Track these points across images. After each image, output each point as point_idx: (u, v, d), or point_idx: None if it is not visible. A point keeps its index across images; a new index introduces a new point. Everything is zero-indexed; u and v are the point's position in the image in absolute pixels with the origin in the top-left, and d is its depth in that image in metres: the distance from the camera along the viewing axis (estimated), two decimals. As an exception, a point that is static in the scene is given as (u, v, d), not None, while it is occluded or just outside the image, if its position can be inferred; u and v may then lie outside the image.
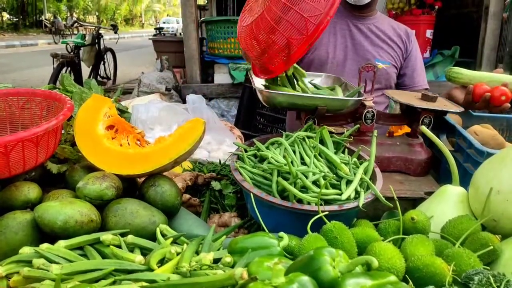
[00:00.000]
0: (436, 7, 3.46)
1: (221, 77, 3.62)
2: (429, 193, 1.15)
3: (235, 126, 3.46)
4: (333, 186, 1.02)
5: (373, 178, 1.06)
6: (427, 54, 3.51)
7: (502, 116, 1.54)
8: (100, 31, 7.10)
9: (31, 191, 0.95)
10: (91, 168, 1.03)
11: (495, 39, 3.10)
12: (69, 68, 5.85)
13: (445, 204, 1.01)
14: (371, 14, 1.90)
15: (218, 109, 3.47)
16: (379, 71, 1.79)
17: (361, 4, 1.79)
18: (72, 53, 6.21)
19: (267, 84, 1.35)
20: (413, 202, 1.19)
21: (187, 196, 1.20)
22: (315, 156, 1.05)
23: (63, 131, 1.19)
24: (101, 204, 0.94)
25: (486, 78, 1.47)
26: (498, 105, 1.42)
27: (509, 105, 1.44)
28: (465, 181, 1.07)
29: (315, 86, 1.43)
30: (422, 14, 3.46)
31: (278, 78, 1.33)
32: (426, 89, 1.93)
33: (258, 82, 1.40)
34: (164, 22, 36.70)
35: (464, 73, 1.49)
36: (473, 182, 1.00)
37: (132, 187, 1.08)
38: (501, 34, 3.22)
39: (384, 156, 1.32)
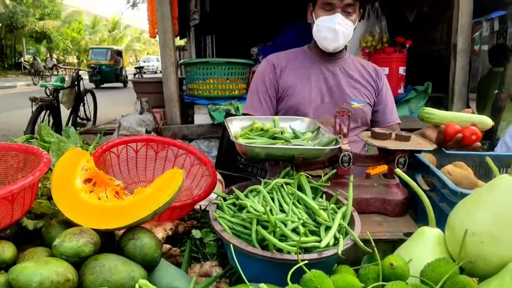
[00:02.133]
0: (407, 45, 3.61)
1: (201, 117, 3.65)
2: (408, 234, 1.17)
3: (217, 167, 3.48)
4: (312, 233, 1.02)
5: (351, 222, 1.08)
6: (401, 90, 3.62)
7: (475, 154, 1.59)
8: (79, 73, 7.12)
9: (5, 250, 0.93)
10: (68, 223, 1.02)
11: (465, 75, 3.22)
12: (48, 112, 5.82)
13: (423, 247, 1.02)
14: (341, 56, 1.96)
15: (198, 150, 3.48)
16: (355, 111, 1.84)
17: (329, 51, 1.86)
18: (51, 96, 6.19)
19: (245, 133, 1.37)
20: (393, 244, 1.20)
21: (167, 246, 1.18)
22: (293, 203, 1.06)
23: (40, 185, 1.17)
24: (79, 262, 0.92)
25: (457, 118, 1.52)
26: (470, 144, 1.46)
27: (479, 144, 1.49)
28: (442, 221, 1.09)
29: (294, 131, 1.45)
30: (394, 52, 3.59)
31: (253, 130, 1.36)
32: (399, 123, 2.00)
33: (235, 131, 1.42)
34: (144, 61, 37.07)
35: (436, 114, 1.54)
36: (449, 223, 1.02)
37: (110, 240, 1.06)
38: (470, 67, 3.36)
39: (362, 197, 1.34)
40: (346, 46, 1.94)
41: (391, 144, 1.31)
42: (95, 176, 1.11)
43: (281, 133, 1.38)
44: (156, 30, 3.50)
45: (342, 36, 1.78)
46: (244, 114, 1.97)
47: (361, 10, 1.88)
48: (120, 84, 23.30)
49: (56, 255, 0.91)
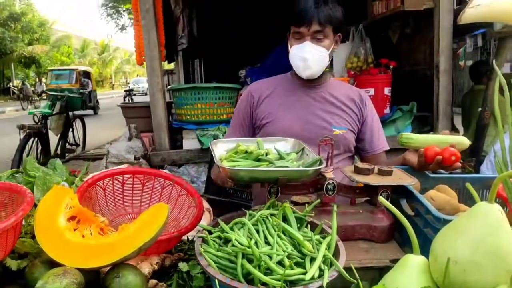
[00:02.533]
0: (391, 66, 3.68)
1: (189, 142, 3.65)
2: (395, 261, 1.17)
3: (205, 192, 3.48)
4: (298, 264, 1.03)
5: (336, 252, 1.08)
6: (387, 110, 3.68)
7: (458, 176, 1.61)
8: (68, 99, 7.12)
9: (-12, 294, 0.92)
10: (52, 263, 1.01)
11: (448, 94, 3.29)
12: (36, 139, 5.78)
13: (408, 276, 1.03)
14: (323, 81, 1.95)
15: (188, 176, 3.48)
16: (336, 138, 1.82)
17: (305, 78, 1.86)
18: (39, 123, 6.17)
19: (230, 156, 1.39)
20: (380, 271, 1.21)
21: (153, 282, 1.17)
22: (278, 235, 1.07)
23: (23, 223, 1.17)
24: (62, 303, 0.91)
25: (435, 141, 1.55)
26: (450, 165, 1.50)
27: (459, 164, 1.52)
28: (427, 247, 1.10)
29: (278, 152, 1.46)
30: (379, 73, 3.66)
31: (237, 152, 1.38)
32: (387, 150, 2.00)
33: (220, 154, 1.44)
34: (134, 84, 37.03)
35: (414, 138, 1.57)
36: (432, 251, 1.03)
37: (95, 279, 1.06)
38: (453, 85, 3.42)
39: (348, 224, 1.34)
40: (328, 70, 1.94)
41: (373, 180, 1.33)
42: (79, 214, 1.11)
43: (266, 155, 1.39)
44: (143, 57, 3.53)
45: (315, 63, 1.78)
46: None
47: (339, 34, 1.87)
48: (89, 112, 19.21)
49: (39, 298, 0.90)
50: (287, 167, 1.31)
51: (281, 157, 1.43)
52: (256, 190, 2.06)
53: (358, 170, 1.38)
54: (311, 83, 1.92)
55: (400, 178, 1.34)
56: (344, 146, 1.90)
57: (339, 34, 1.87)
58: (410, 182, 1.31)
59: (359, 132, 1.96)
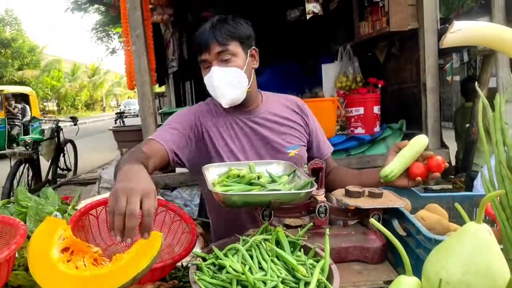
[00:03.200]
0: (380, 85, 3.74)
1: (182, 166, 3.65)
2: (388, 282, 1.18)
3: (199, 215, 3.47)
4: (292, 290, 1.03)
5: (330, 276, 1.09)
6: (377, 129, 3.72)
7: (448, 195, 1.64)
8: (59, 124, 7.10)
9: (-20, 330, 0.91)
10: (46, 295, 1.01)
11: (436, 111, 3.34)
12: (27, 165, 5.75)
13: (401, 298, 1.04)
14: (258, 103, 1.79)
15: (181, 199, 3.47)
16: (294, 159, 1.73)
17: (227, 107, 1.67)
18: (30, 149, 6.14)
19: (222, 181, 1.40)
20: (373, 294, 1.22)
21: (148, 310, 1.17)
22: (272, 260, 1.08)
23: (16, 255, 1.17)
24: (56, 337, 0.91)
25: (412, 158, 1.53)
26: (441, 171, 1.52)
27: (447, 164, 1.54)
28: (419, 267, 1.11)
29: (270, 176, 1.47)
30: (368, 92, 3.71)
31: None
32: (332, 151, 1.93)
33: (212, 178, 1.45)
34: (125, 106, 37.02)
35: (396, 170, 1.49)
36: (424, 272, 1.04)
37: (89, 310, 1.05)
38: (442, 101, 3.48)
39: (341, 247, 1.35)
40: (251, 91, 1.72)
41: (364, 203, 1.35)
42: (72, 245, 1.11)
43: (258, 178, 1.41)
44: (134, 82, 3.55)
45: (229, 87, 1.61)
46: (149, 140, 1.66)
47: (253, 47, 1.70)
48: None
49: (33, 332, 0.90)
50: (279, 190, 1.32)
51: (273, 180, 1.44)
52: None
53: (348, 193, 1.40)
54: (245, 108, 1.75)
55: (391, 200, 1.36)
56: (301, 164, 1.77)
57: (253, 47, 1.71)
58: (401, 204, 1.33)
59: (308, 142, 1.87)
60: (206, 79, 1.66)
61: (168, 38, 6.12)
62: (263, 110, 1.78)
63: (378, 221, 1.32)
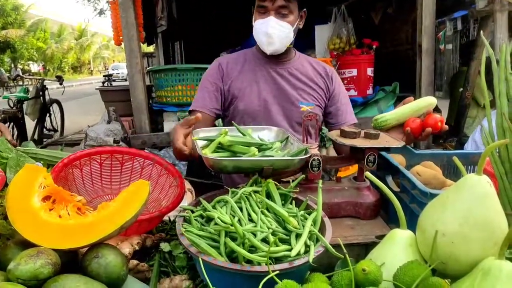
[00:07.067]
0: (374, 46, 3.65)
1: (170, 125, 3.59)
2: (381, 237, 1.16)
3: (188, 174, 3.43)
4: (283, 241, 1.00)
5: (322, 228, 1.06)
6: (370, 91, 3.67)
7: (442, 153, 1.61)
8: (44, 83, 6.92)
9: (-44, 277, 0.86)
10: (27, 244, 0.96)
11: (430, 74, 3.28)
12: (12, 124, 5.62)
13: (395, 250, 1.01)
14: (290, 57, 1.93)
15: (169, 159, 3.41)
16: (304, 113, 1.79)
17: (269, 54, 1.83)
18: (14, 107, 5.99)
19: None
20: (366, 247, 1.19)
21: (134, 262, 1.13)
22: (262, 212, 1.04)
23: (-5, 204, 1.11)
24: (37, 285, 0.87)
25: (411, 111, 1.51)
26: (439, 131, 1.47)
27: (447, 126, 1.49)
28: (413, 222, 1.08)
29: (262, 141, 1.40)
30: (361, 54, 3.63)
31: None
32: (355, 123, 1.94)
33: (202, 143, 1.37)
34: (113, 69, 36.30)
35: (389, 117, 1.50)
36: (419, 225, 1.01)
37: (73, 259, 1.01)
38: (436, 66, 3.43)
39: (333, 202, 1.32)
40: (291, 46, 1.88)
41: (360, 143, 1.30)
42: (54, 193, 1.05)
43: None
44: (121, 37, 3.42)
45: (278, 39, 1.75)
46: (190, 111, 1.95)
47: (304, 9, 1.84)
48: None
49: (12, 280, 0.86)
50: (272, 156, 1.26)
51: (264, 149, 1.35)
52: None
53: (344, 134, 1.36)
54: (278, 59, 1.89)
55: (387, 141, 1.32)
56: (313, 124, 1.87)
57: (304, 10, 1.84)
58: (397, 144, 1.29)
59: (326, 106, 1.95)
60: (259, 24, 1.77)
61: (157, -5, 5.89)
62: (291, 65, 1.92)
63: (374, 162, 1.29)
